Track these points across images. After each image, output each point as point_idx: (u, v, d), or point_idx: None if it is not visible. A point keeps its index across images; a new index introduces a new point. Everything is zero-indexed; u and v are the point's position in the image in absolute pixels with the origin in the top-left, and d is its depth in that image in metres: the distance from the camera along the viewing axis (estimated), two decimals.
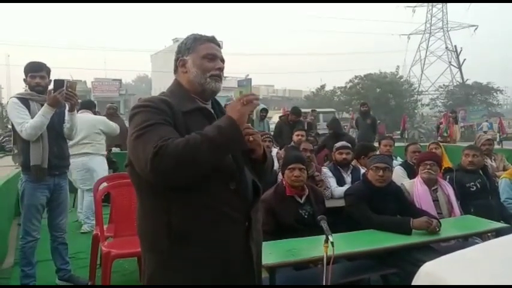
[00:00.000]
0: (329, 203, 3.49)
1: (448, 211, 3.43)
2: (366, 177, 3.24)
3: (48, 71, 3.19)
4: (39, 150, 3.04)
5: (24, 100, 3.07)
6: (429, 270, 0.93)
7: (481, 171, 4.03)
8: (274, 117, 16.70)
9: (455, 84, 40.15)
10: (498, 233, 2.87)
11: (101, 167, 5.01)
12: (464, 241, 3.15)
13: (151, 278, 1.51)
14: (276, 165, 3.83)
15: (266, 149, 1.66)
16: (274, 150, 5.06)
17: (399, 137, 16.25)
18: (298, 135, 5.54)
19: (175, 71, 1.68)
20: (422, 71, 44.71)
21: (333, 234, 1.90)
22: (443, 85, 40.25)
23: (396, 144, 5.67)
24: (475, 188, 3.85)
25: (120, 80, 36.16)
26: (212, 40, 1.67)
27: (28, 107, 3.05)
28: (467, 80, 39.01)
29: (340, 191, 3.83)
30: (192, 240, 1.44)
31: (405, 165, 4.44)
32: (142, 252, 1.58)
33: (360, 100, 21.06)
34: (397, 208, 3.09)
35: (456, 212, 3.43)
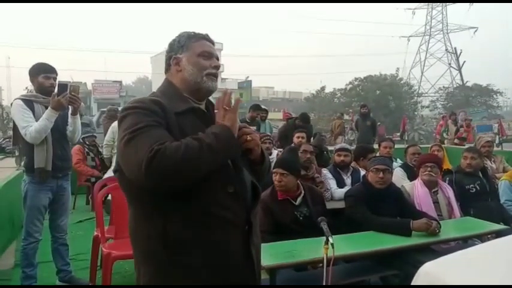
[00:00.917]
0: (329, 205, 3.49)
1: (448, 213, 3.44)
2: (366, 179, 3.25)
3: (57, 74, 3.21)
4: (43, 152, 3.04)
5: (28, 102, 3.07)
6: (429, 271, 0.94)
7: (480, 173, 4.04)
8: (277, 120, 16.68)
9: (455, 86, 40.24)
10: (498, 235, 2.88)
11: None
12: (464, 243, 3.16)
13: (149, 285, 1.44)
14: None
15: (264, 150, 1.61)
16: (275, 152, 5.06)
17: (399, 138, 16.19)
18: (298, 137, 5.54)
19: (167, 70, 1.61)
20: (422, 73, 44.83)
21: (333, 236, 1.91)
22: (443, 87, 40.36)
23: (396, 146, 5.68)
24: (474, 190, 3.86)
25: (120, 82, 36.20)
26: (206, 37, 1.61)
27: (32, 109, 3.05)
28: (467, 82, 39.13)
29: (340, 192, 3.83)
30: (190, 247, 1.38)
31: (405, 167, 4.46)
32: (135, 261, 1.50)
33: (360, 102, 21.10)
34: (397, 210, 3.10)
35: (456, 214, 3.44)
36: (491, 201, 3.85)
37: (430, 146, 5.54)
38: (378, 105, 28.66)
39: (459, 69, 41.25)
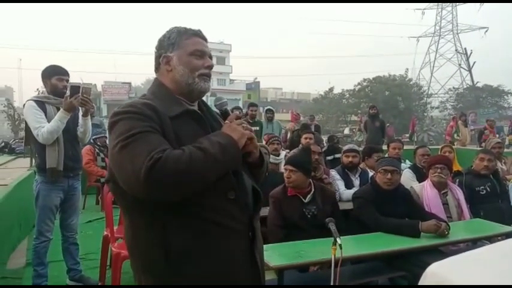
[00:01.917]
0: None
1: (457, 215, 3.41)
2: (374, 180, 3.24)
3: (69, 76, 3.26)
4: (55, 153, 3.09)
5: (40, 103, 3.13)
6: (435, 271, 0.94)
7: (491, 175, 4.00)
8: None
9: (465, 86, 39.85)
10: (508, 237, 2.84)
11: None
12: (474, 244, 3.14)
13: None
14: None
15: (264, 153, 1.55)
16: (283, 153, 5.06)
17: (408, 140, 16.14)
18: (306, 138, 5.54)
19: (157, 69, 1.50)
20: (431, 74, 44.52)
21: (341, 237, 1.92)
22: (453, 88, 40.03)
23: (405, 147, 5.66)
24: (484, 191, 3.82)
25: (129, 83, 36.58)
26: (199, 34, 1.50)
27: (44, 110, 3.10)
28: (477, 82, 38.74)
29: (348, 193, 3.83)
30: (193, 257, 1.31)
31: (414, 169, 4.43)
32: (134, 273, 1.41)
33: (369, 103, 21.01)
34: (406, 211, 3.09)
35: (466, 215, 3.41)
36: (501, 202, 3.81)
37: (440, 147, 5.49)
38: (386, 106, 28.55)
39: (469, 69, 40.85)
